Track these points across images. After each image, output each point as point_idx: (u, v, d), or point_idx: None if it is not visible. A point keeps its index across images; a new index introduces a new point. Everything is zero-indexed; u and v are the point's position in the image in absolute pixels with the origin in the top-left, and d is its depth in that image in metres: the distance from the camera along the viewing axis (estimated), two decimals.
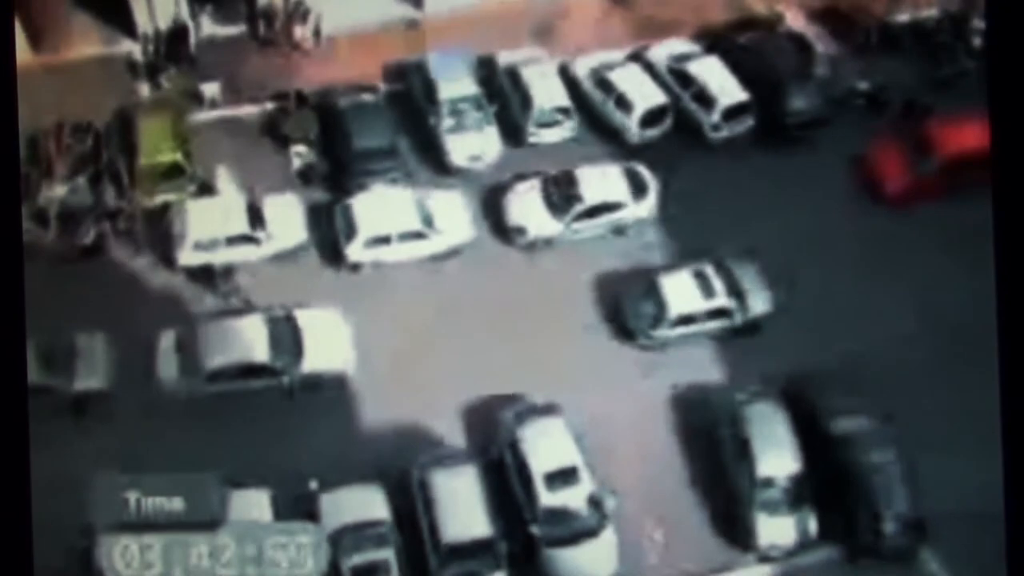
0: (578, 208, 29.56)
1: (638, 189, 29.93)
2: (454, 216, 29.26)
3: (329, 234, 29.02)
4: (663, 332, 27.13)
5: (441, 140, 30.77)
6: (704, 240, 29.57)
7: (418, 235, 28.64)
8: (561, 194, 29.65)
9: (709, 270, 27.46)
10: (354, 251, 28.63)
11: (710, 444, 26.34)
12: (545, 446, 24.83)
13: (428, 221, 28.78)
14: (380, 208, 28.70)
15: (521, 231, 29.71)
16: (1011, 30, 11.89)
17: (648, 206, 30.19)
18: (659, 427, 26.72)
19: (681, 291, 27.34)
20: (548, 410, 25.94)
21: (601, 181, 29.75)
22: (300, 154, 30.44)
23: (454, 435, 26.32)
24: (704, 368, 27.67)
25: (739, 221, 30.04)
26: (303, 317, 26.86)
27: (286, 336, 26.13)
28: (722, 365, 27.81)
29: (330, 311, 27.13)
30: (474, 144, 30.66)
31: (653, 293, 27.40)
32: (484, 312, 28.20)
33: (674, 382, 27.23)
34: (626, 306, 27.55)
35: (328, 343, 26.46)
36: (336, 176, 30.26)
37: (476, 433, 26.17)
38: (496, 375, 27.31)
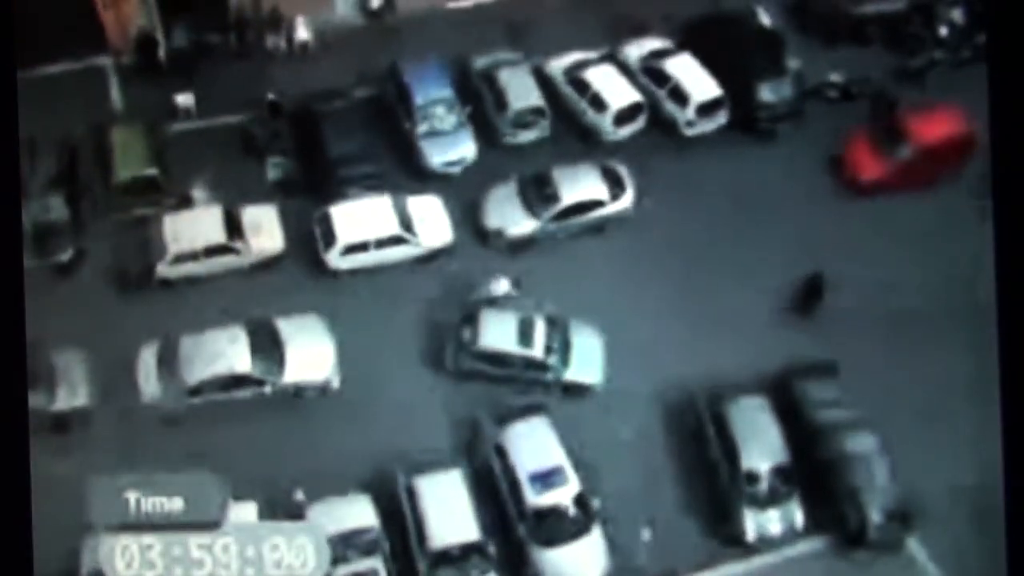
0: (556, 208, 29.65)
1: (615, 187, 30.04)
2: (433, 220, 29.27)
3: (308, 242, 28.96)
4: (469, 363, 26.78)
5: (417, 144, 30.79)
6: (681, 235, 29.92)
7: (397, 240, 28.66)
8: (538, 195, 29.73)
9: (539, 322, 26.86)
10: (333, 259, 28.61)
11: (695, 442, 26.45)
12: (529, 447, 24.98)
13: (407, 226, 28.80)
14: (358, 215, 28.69)
15: (499, 233, 29.77)
16: (1011, 29, 12.26)
17: (626, 203, 30.31)
18: (647, 422, 26.78)
19: (498, 328, 26.81)
20: (531, 410, 26.02)
21: (578, 180, 29.86)
22: (277, 163, 30.37)
23: (439, 440, 26.31)
24: None
25: (715, 214, 30.32)
26: (284, 326, 26.75)
27: (267, 345, 26.05)
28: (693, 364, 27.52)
29: (311, 318, 27.01)
30: (450, 148, 30.73)
31: (473, 321, 27.06)
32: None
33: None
34: (456, 327, 27.07)
35: (310, 351, 26.41)
36: (313, 184, 30.15)
37: (461, 437, 26.26)
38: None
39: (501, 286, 27.74)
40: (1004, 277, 12.12)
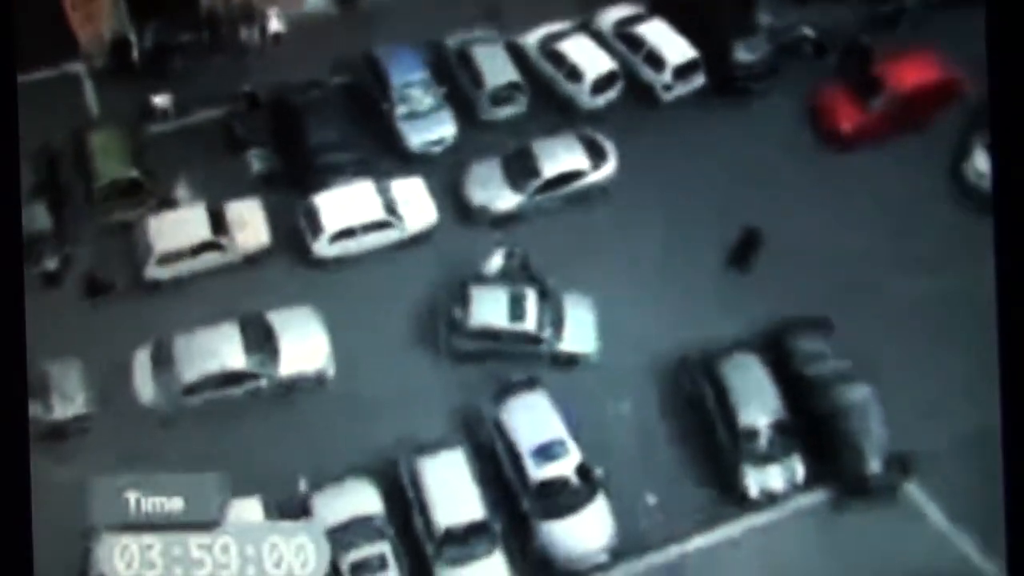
0: (538, 181, 29.59)
1: (597, 156, 29.97)
2: (417, 202, 29.22)
3: (294, 234, 28.81)
4: (462, 343, 26.72)
5: (397, 127, 30.67)
6: (664, 201, 29.87)
7: (383, 225, 28.62)
8: (520, 169, 29.62)
9: (530, 295, 26.78)
10: (320, 248, 28.51)
11: (691, 404, 26.52)
12: (528, 421, 24.97)
13: (392, 209, 28.78)
14: (343, 202, 28.62)
15: (483, 209, 29.68)
16: (1011, 25, 12.26)
17: (608, 172, 30.22)
18: (642, 391, 26.80)
19: (489, 305, 26.77)
20: (528, 385, 25.94)
21: (558, 152, 29.83)
22: (258, 156, 30.25)
23: (438, 422, 26.24)
24: None
25: (699, 178, 30.34)
26: (276, 319, 26.65)
27: (260, 340, 25.96)
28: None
29: (302, 310, 26.90)
30: (430, 128, 30.63)
31: (464, 300, 27.01)
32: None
33: None
34: (447, 307, 27.06)
35: (303, 342, 26.35)
36: (296, 174, 29.92)
37: (460, 418, 26.26)
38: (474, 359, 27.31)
39: (495, 262, 27.86)
40: (1004, 277, 12.37)
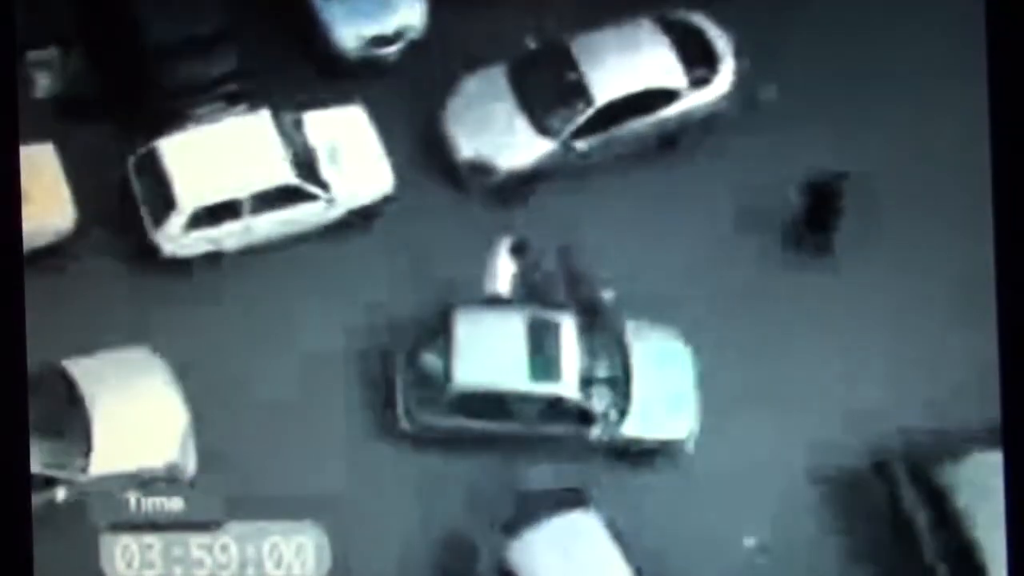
0: (585, 112, 20.35)
1: (700, 61, 20.82)
2: (355, 152, 20.84)
3: (120, 210, 20.53)
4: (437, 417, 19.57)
5: (316, 12, 21.90)
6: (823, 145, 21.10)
7: (292, 194, 20.26)
8: (550, 87, 20.71)
9: (566, 327, 19.45)
10: (170, 236, 20.09)
11: (899, 528, 19.56)
12: (562, 569, 18.07)
13: (308, 166, 20.44)
14: (213, 152, 20.44)
15: (481, 166, 20.74)
16: (1011, 28, 12.92)
17: (720, 92, 20.73)
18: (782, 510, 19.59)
19: (490, 348, 19.48)
20: (566, 500, 18.67)
21: (625, 54, 20.70)
22: (47, 64, 21.50)
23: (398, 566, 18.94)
24: None
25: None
26: (86, 370, 19.71)
27: (60, 420, 19.45)
28: None
29: (138, 354, 19.77)
30: (377, 12, 21.87)
31: (443, 337, 19.66)
32: None
33: None
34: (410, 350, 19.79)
35: (143, 414, 19.88)
36: (122, 100, 21.63)
37: (437, 557, 19.04)
38: None
39: (500, 265, 19.76)
40: (1004, 276, 12.83)
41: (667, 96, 20.22)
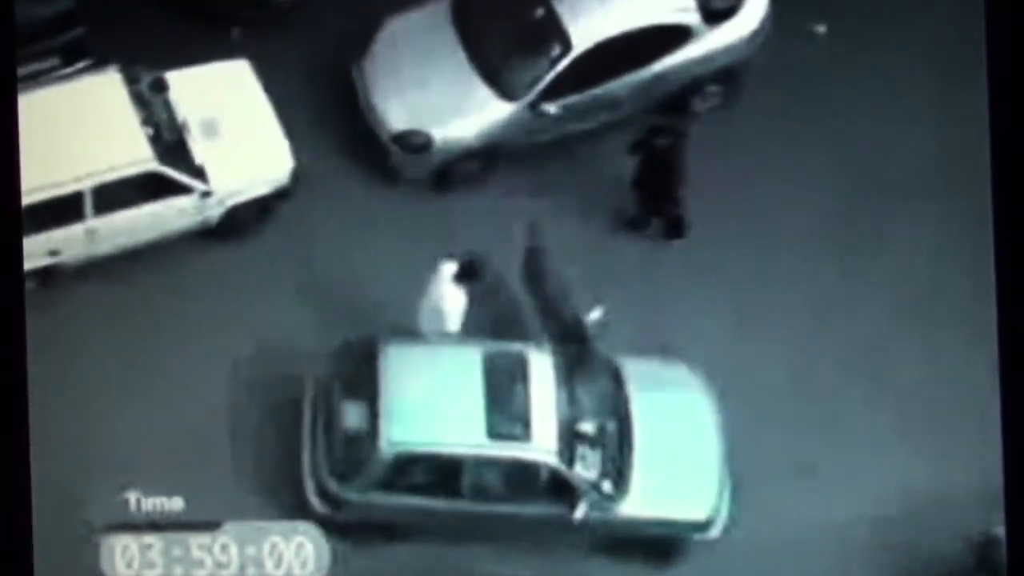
0: (560, 63, 16.34)
1: None
2: (240, 126, 17.01)
3: None
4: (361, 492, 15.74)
5: None
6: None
7: (154, 186, 16.61)
8: (514, 32, 16.93)
9: (537, 364, 15.55)
10: None
11: None
12: None
13: (175, 148, 16.66)
14: (43, 127, 16.04)
15: (421, 140, 16.44)
16: (1011, 28, 11.83)
17: (741, 35, 16.63)
18: None
19: (431, 397, 15.52)
20: None
21: None
22: None
23: None
24: None
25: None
26: None
27: None
28: None
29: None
30: None
31: (366, 384, 16.06)
32: None
33: None
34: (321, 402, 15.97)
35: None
36: None
37: None
38: None
39: (441, 287, 15.12)
40: (1004, 276, 11.78)
41: (671, 36, 15.70)
